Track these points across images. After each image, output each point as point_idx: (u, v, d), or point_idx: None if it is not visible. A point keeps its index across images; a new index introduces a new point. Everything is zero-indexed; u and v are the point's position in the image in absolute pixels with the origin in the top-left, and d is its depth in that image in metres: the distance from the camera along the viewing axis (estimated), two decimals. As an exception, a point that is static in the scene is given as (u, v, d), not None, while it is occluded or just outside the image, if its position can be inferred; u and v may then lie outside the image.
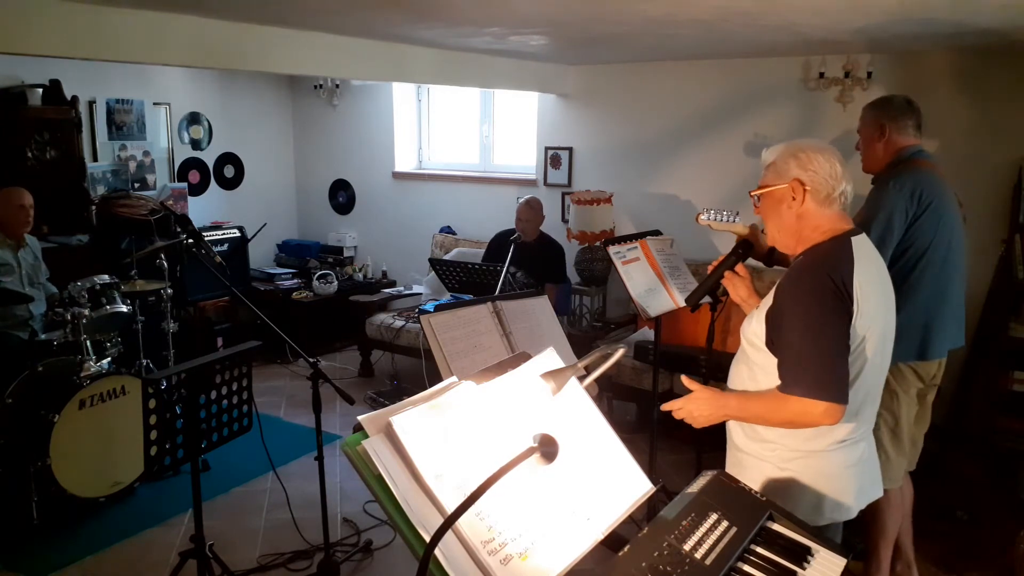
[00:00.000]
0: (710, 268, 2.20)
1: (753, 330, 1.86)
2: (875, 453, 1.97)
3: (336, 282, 6.11)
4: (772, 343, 1.79)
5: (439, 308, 2.39)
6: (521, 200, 5.09)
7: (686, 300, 2.31)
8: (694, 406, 1.87)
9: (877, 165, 2.80)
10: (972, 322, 2.98)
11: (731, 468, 1.98)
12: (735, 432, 1.98)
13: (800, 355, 1.71)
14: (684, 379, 1.93)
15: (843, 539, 1.93)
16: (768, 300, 1.83)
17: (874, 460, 1.96)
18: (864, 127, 2.84)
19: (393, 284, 6.43)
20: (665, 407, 1.91)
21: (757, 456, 1.90)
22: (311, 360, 2.88)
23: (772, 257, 2.39)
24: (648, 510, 2.53)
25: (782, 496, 1.80)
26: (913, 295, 2.65)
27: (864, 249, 1.81)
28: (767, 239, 1.98)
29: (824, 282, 1.71)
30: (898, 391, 2.70)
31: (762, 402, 1.81)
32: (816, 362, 1.69)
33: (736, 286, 2.11)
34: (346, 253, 6.72)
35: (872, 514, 2.79)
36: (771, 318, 1.79)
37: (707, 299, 3.32)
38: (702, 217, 2.60)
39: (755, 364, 1.86)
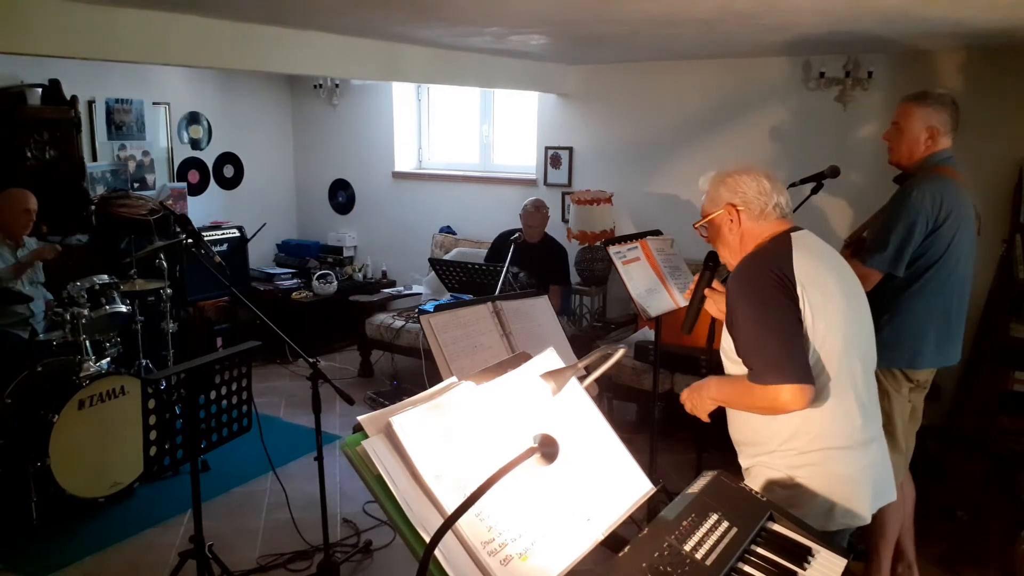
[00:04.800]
0: (687, 293, 2.23)
1: (725, 344, 1.91)
2: (887, 454, 1.96)
3: (336, 282, 6.11)
4: (736, 345, 1.84)
5: (439, 308, 2.39)
6: (528, 204, 5.08)
7: (681, 328, 2.33)
8: (689, 396, 1.99)
9: (909, 162, 2.72)
10: (972, 322, 2.97)
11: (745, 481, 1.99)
12: (742, 444, 1.97)
13: (754, 346, 1.77)
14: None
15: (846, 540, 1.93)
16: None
17: (887, 462, 1.95)
18: (909, 123, 2.69)
19: (393, 284, 6.42)
20: (682, 398, 2.03)
21: (766, 465, 1.90)
22: (311, 360, 2.87)
23: None
24: (648, 510, 2.53)
25: (792, 503, 1.79)
26: (912, 303, 2.63)
27: (805, 240, 1.85)
28: (722, 261, 2.04)
29: (761, 272, 1.78)
30: (889, 390, 2.69)
31: (735, 388, 1.85)
32: (770, 350, 1.74)
33: (716, 301, 2.15)
34: (346, 253, 6.72)
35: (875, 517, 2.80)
36: (728, 321, 1.86)
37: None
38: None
39: (735, 375, 1.89)
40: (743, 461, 1.99)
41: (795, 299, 1.74)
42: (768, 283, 1.76)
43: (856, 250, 2.73)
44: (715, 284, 2.17)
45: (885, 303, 2.62)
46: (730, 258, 1.97)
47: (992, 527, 3.42)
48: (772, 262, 1.78)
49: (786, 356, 1.72)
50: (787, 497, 1.83)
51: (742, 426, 1.94)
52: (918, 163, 2.69)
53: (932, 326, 2.65)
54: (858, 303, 1.90)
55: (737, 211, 1.88)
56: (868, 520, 1.88)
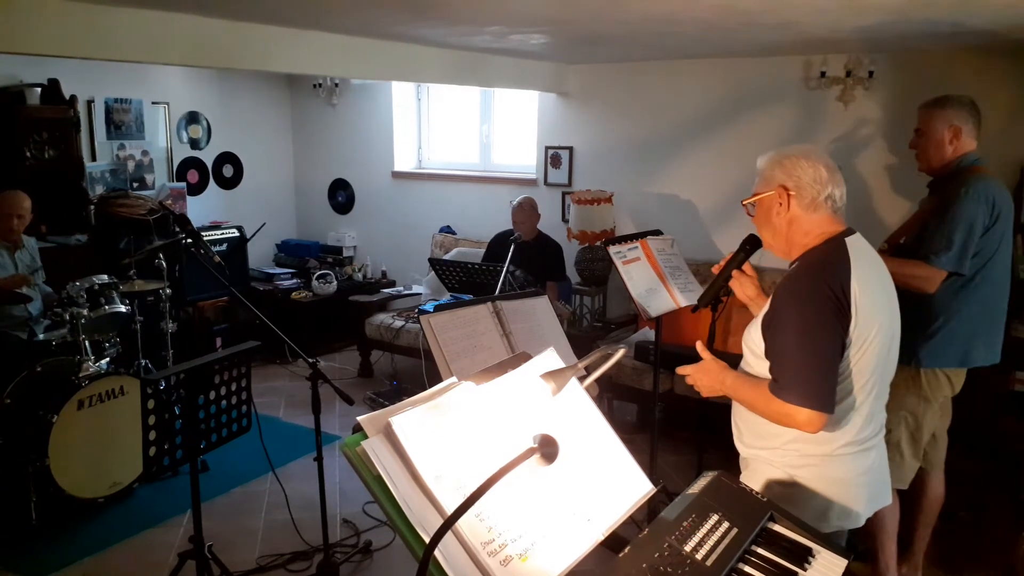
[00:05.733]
0: (716, 268, 2.17)
1: (753, 339, 1.86)
2: (886, 459, 1.95)
3: (335, 282, 6.10)
4: (768, 350, 1.79)
5: (439, 308, 2.38)
6: (513, 203, 5.09)
7: (697, 301, 2.28)
8: (700, 374, 1.93)
9: (939, 164, 2.72)
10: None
11: (742, 474, 1.97)
12: (744, 433, 1.96)
13: (789, 361, 1.72)
14: (698, 344, 1.97)
15: (846, 540, 1.92)
16: (766, 307, 1.83)
17: (884, 467, 1.94)
18: (931, 126, 2.71)
19: (393, 284, 6.42)
20: (680, 370, 1.97)
21: (765, 460, 1.89)
22: (310, 360, 2.87)
23: None
24: (649, 511, 2.53)
25: (789, 502, 1.78)
26: (967, 303, 2.63)
27: (859, 249, 1.81)
28: (764, 246, 1.98)
29: (820, 289, 1.71)
30: (929, 397, 2.69)
31: (753, 391, 1.81)
32: (804, 370, 1.70)
33: (743, 285, 2.09)
34: (345, 253, 6.72)
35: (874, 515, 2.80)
36: (766, 323, 1.80)
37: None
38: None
39: (756, 374, 1.86)
40: (742, 450, 1.97)
41: (848, 321, 1.70)
42: (824, 303, 1.70)
43: (896, 254, 2.70)
44: (746, 268, 2.10)
45: (940, 306, 2.63)
46: (773, 242, 1.91)
47: (993, 527, 3.42)
48: (833, 278, 1.72)
49: (817, 381, 1.69)
50: (784, 495, 1.82)
51: (748, 415, 1.91)
52: (950, 166, 2.68)
53: (983, 325, 2.67)
54: (896, 314, 1.87)
55: (788, 195, 1.81)
56: (862, 523, 1.87)
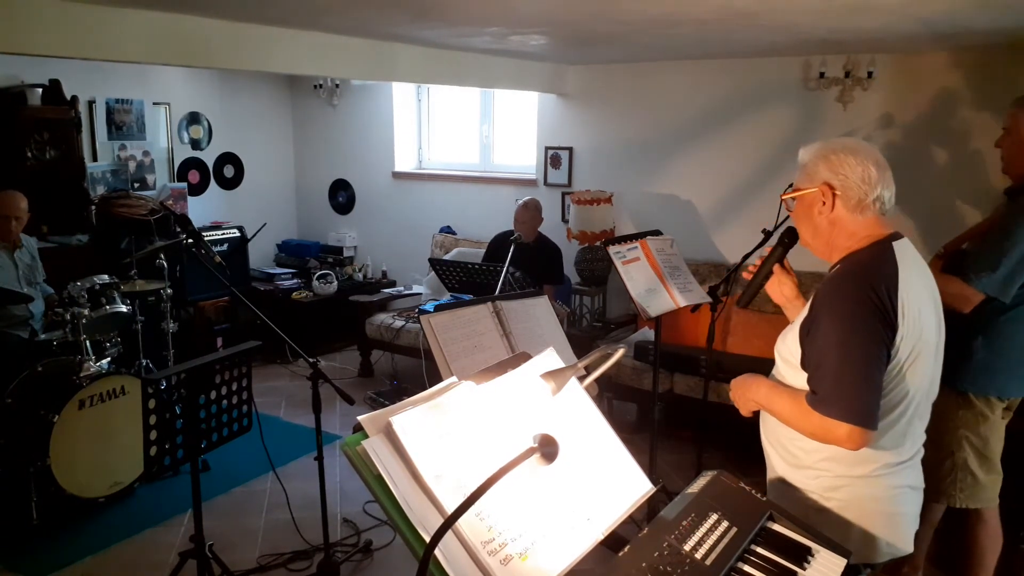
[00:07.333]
0: (751, 270, 2.03)
1: (788, 348, 1.75)
2: (921, 480, 1.82)
3: (336, 282, 6.11)
4: (806, 359, 1.67)
5: (439, 308, 2.38)
6: (519, 202, 5.10)
7: (737, 302, 2.14)
8: (737, 389, 1.86)
9: (1023, 170, 2.50)
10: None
11: (772, 498, 1.86)
12: (774, 459, 1.85)
13: (829, 371, 1.60)
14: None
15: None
16: (804, 313, 1.71)
17: (920, 487, 1.82)
18: (1016, 126, 2.50)
19: (393, 284, 6.43)
20: (732, 385, 1.90)
21: (800, 485, 1.78)
22: (311, 360, 2.88)
23: None
24: (648, 510, 2.53)
25: (831, 529, 1.68)
26: (1013, 327, 2.45)
27: (908, 255, 1.68)
28: (801, 243, 1.86)
29: (866, 295, 1.59)
30: (985, 411, 2.55)
31: (789, 403, 1.70)
32: (847, 382, 1.58)
33: (783, 284, 1.96)
34: (346, 253, 6.73)
35: (968, 547, 2.72)
36: (804, 330, 1.68)
37: (707, 298, 3.33)
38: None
39: (789, 384, 1.76)
40: (778, 468, 1.84)
41: (894, 330, 1.58)
42: (868, 309, 1.57)
43: (951, 264, 2.52)
44: (786, 263, 1.97)
45: (980, 325, 2.46)
46: (813, 242, 1.78)
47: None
48: (879, 283, 1.59)
49: (860, 394, 1.56)
50: (824, 523, 1.71)
51: (778, 431, 1.80)
52: None
53: None
54: (942, 328, 1.75)
55: (833, 194, 1.68)
56: (911, 548, 1.76)
